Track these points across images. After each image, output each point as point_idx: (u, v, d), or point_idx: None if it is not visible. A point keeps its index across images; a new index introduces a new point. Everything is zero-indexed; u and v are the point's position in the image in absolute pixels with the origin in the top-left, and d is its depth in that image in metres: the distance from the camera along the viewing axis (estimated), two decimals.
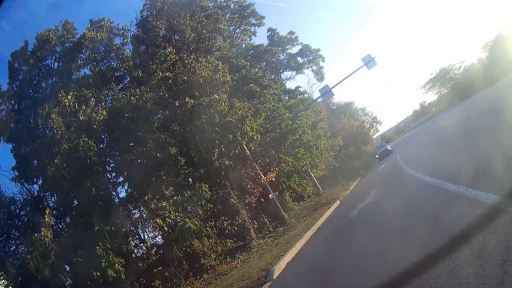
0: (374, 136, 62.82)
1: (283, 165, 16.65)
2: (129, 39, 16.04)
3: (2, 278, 10.92)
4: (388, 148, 33.14)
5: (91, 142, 11.58)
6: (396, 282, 3.61)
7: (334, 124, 39.52)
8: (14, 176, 12.55)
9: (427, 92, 51.87)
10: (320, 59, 27.85)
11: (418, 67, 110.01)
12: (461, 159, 7.63)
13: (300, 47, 27.38)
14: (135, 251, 12.39)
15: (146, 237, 12.89)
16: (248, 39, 24.40)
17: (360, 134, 48.25)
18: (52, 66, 14.56)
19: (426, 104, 68.69)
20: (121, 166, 13.56)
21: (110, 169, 13.71)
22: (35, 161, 12.51)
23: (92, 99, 12.73)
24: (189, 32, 15.75)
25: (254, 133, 13.76)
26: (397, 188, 9.99)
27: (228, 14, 22.64)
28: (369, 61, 19.64)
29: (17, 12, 14.90)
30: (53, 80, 14.20)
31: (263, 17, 23.90)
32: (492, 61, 30.70)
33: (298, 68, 27.74)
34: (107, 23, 15.89)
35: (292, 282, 6.72)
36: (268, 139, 17.71)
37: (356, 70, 20.36)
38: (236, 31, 23.60)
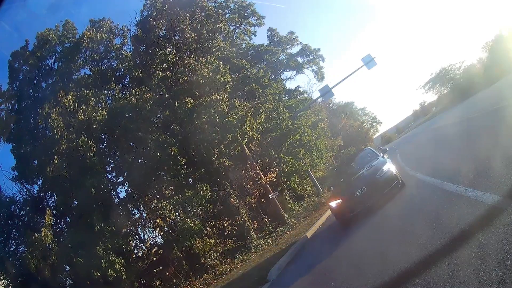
0: (374, 136, 62.81)
1: (283, 165, 16.65)
2: (129, 39, 16.01)
3: (2, 278, 10.92)
4: (385, 168, 8.09)
5: (91, 142, 11.57)
6: (396, 282, 3.61)
7: (334, 124, 39.54)
8: (14, 176, 12.56)
9: (427, 92, 51.66)
10: (320, 59, 27.84)
11: (418, 67, 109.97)
12: (461, 159, 7.63)
13: (300, 47, 27.39)
14: (135, 251, 12.38)
15: (146, 237, 12.89)
16: (248, 39, 24.43)
17: (360, 134, 48.27)
18: (52, 66, 14.55)
19: (426, 104, 68.61)
20: (121, 166, 13.56)
21: (110, 169, 13.71)
22: (35, 161, 12.50)
23: (92, 99, 12.71)
24: (189, 32, 15.73)
25: (254, 133, 13.76)
26: None
27: (228, 14, 22.63)
28: (369, 61, 19.63)
29: (17, 12, 14.87)
30: (53, 80, 14.18)
31: (263, 17, 23.92)
32: (492, 61, 30.63)
33: (298, 68, 27.72)
34: (107, 23, 15.86)
35: (292, 282, 6.72)
36: (268, 139, 17.71)
37: (356, 70, 20.36)
38: (236, 31, 23.60)
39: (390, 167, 8.19)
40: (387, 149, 10.32)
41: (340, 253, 6.37)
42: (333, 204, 8.50)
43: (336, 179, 10.89)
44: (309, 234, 10.42)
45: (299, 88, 28.17)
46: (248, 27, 24.04)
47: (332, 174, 14.05)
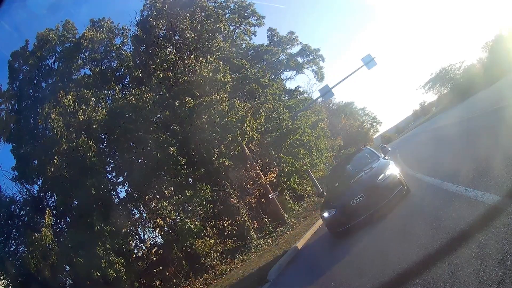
0: (374, 136, 62.76)
1: (283, 165, 16.65)
2: (129, 39, 16.05)
3: (2, 278, 10.92)
4: (387, 172, 7.07)
5: (91, 142, 11.58)
6: (395, 282, 3.61)
7: (334, 124, 39.57)
8: (14, 176, 12.55)
9: (427, 92, 51.68)
10: (320, 59, 27.77)
11: (418, 67, 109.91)
12: (461, 159, 7.63)
13: (300, 47, 27.34)
14: (135, 251, 12.39)
15: (146, 237, 12.90)
16: (248, 39, 24.40)
17: (360, 134, 48.31)
18: (52, 66, 14.56)
19: (426, 104, 68.66)
20: (121, 166, 13.57)
21: (110, 169, 13.72)
22: (35, 161, 12.50)
23: (92, 99, 12.73)
24: (189, 32, 15.76)
25: (254, 133, 13.77)
26: None
27: (228, 14, 22.63)
28: (369, 61, 19.58)
29: (17, 12, 14.92)
30: (53, 80, 14.19)
31: (263, 17, 23.90)
32: (492, 61, 30.63)
33: (298, 68, 27.68)
34: (107, 23, 15.88)
35: (292, 282, 6.72)
36: (268, 139, 17.71)
37: (356, 70, 20.29)
38: (236, 31, 23.59)
39: (393, 170, 7.06)
40: (389, 149, 8.98)
41: (340, 253, 6.37)
42: (326, 213, 7.41)
43: (330, 183, 9.59)
44: (308, 234, 10.43)
45: (299, 88, 28.16)
46: (248, 27, 24.04)
47: (326, 177, 12.63)
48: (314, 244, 9.35)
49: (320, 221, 11.61)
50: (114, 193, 13.34)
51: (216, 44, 17.43)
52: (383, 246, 5.14)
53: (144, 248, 12.34)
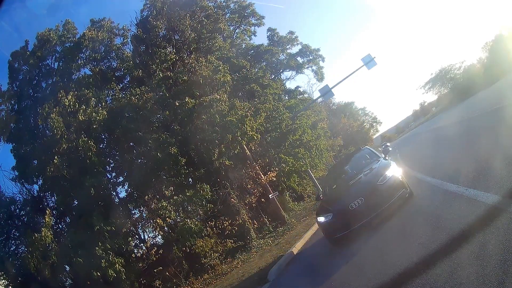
0: (374, 136, 62.71)
1: (283, 165, 16.64)
2: (129, 39, 16.06)
3: (2, 278, 10.93)
4: (388, 173, 6.60)
5: (91, 142, 11.59)
6: (396, 282, 3.61)
7: (334, 124, 39.54)
8: (14, 176, 12.58)
9: (427, 92, 51.62)
10: (320, 59, 27.74)
11: (418, 67, 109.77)
12: (461, 159, 7.63)
13: (300, 47, 27.31)
14: (135, 251, 12.42)
15: (146, 237, 12.93)
16: (248, 39, 24.40)
17: (360, 134, 48.25)
18: (52, 66, 14.57)
19: (426, 104, 68.57)
20: (121, 166, 13.58)
21: (110, 169, 13.75)
22: (35, 161, 12.52)
23: (92, 99, 12.75)
24: (189, 32, 15.77)
25: (254, 133, 13.77)
26: None
27: (228, 14, 22.65)
28: (369, 61, 19.55)
29: (17, 12, 14.93)
30: (53, 80, 14.20)
31: (263, 17, 23.92)
32: (492, 61, 30.63)
33: (298, 68, 27.65)
34: (107, 23, 15.90)
35: (292, 282, 6.72)
36: (268, 139, 17.70)
37: (356, 70, 20.25)
38: (236, 31, 23.60)
39: (394, 171, 6.58)
40: (390, 149, 8.57)
41: (340, 252, 6.37)
42: (322, 218, 6.89)
43: (328, 185, 9.08)
44: (308, 234, 10.43)
45: (299, 88, 28.16)
46: (248, 27, 24.05)
47: (323, 179, 12.19)
48: (314, 244, 9.34)
49: None
50: (114, 193, 13.38)
51: (216, 44, 17.44)
52: (383, 246, 5.14)
53: (144, 248, 12.36)
